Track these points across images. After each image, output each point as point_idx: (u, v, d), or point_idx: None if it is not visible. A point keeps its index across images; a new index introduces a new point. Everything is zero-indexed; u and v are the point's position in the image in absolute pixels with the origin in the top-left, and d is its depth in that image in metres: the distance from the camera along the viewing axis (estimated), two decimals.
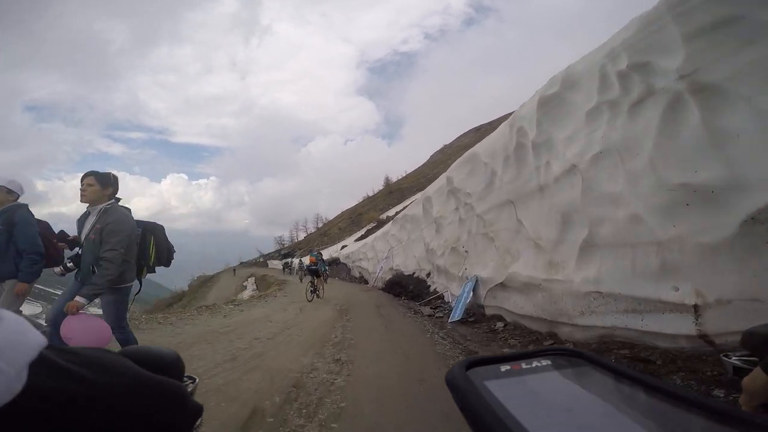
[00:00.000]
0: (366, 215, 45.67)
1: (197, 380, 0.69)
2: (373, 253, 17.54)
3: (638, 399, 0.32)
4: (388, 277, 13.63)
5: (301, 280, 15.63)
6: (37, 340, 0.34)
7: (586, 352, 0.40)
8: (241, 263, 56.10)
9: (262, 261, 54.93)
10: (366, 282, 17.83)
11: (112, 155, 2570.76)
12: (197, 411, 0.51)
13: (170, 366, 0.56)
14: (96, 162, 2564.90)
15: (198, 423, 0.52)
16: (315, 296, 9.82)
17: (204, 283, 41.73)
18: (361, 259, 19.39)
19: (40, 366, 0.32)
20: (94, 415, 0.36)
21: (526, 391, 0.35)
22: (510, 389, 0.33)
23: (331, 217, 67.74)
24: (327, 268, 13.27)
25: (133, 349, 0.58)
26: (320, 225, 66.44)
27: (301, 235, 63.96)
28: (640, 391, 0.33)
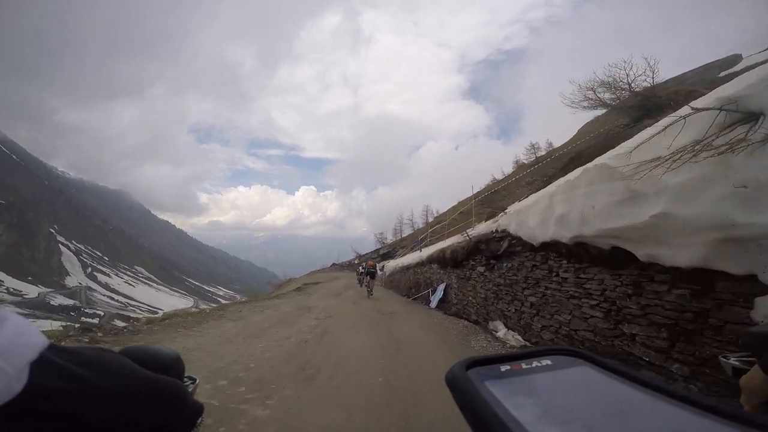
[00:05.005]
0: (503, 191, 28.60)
1: (198, 380, 0.66)
2: None
3: (638, 398, 0.32)
4: None
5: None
6: (38, 341, 0.35)
7: (586, 351, 0.39)
8: (333, 265, 46.75)
9: (357, 263, 43.51)
10: None
11: (256, 171, 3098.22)
12: (197, 410, 0.51)
13: (170, 366, 0.55)
14: (244, 177, 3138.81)
15: (198, 422, 0.51)
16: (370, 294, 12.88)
17: (283, 284, 36.17)
18: None
19: (40, 366, 0.33)
20: (92, 414, 0.36)
21: (526, 391, 0.34)
22: (510, 389, 0.33)
23: (443, 210, 52.69)
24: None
25: (133, 348, 0.55)
26: (430, 219, 52.24)
27: (407, 231, 50.45)
28: (640, 391, 0.33)
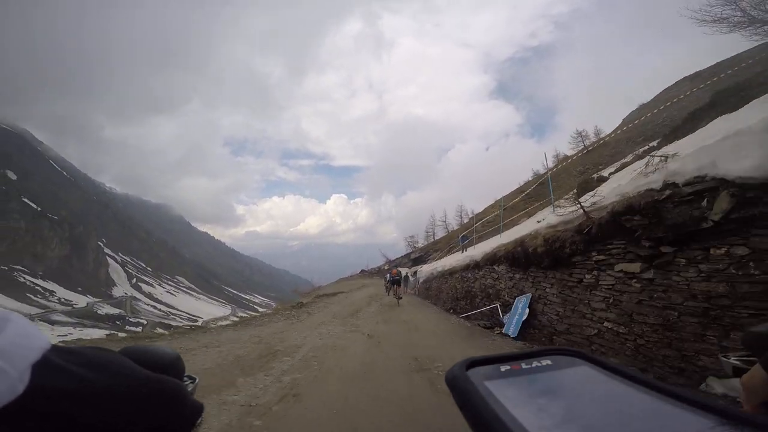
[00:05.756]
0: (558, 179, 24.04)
1: (197, 379, 0.66)
2: None
3: (638, 399, 0.32)
4: None
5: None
6: (41, 342, 0.35)
7: (586, 352, 0.40)
8: (362, 271, 44.17)
9: (387, 269, 40.00)
10: None
11: (289, 181, 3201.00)
12: (197, 410, 0.51)
13: (170, 365, 0.55)
14: (277, 188, 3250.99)
15: (198, 422, 0.52)
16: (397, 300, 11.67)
17: (310, 292, 34.21)
18: None
19: (42, 367, 0.34)
20: (92, 414, 0.36)
21: (526, 391, 0.35)
22: (510, 389, 0.34)
23: (478, 210, 49.05)
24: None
25: (133, 348, 0.55)
26: (465, 220, 48.63)
27: (440, 233, 46.40)
28: (639, 391, 0.33)
